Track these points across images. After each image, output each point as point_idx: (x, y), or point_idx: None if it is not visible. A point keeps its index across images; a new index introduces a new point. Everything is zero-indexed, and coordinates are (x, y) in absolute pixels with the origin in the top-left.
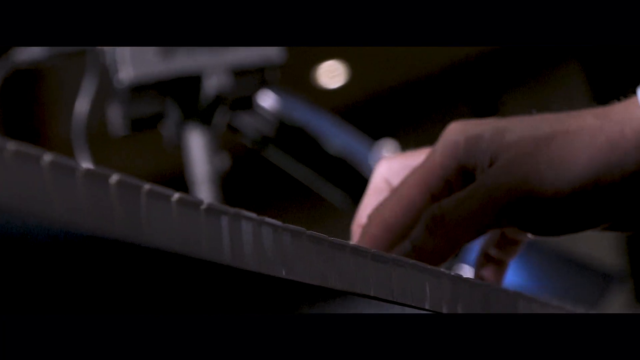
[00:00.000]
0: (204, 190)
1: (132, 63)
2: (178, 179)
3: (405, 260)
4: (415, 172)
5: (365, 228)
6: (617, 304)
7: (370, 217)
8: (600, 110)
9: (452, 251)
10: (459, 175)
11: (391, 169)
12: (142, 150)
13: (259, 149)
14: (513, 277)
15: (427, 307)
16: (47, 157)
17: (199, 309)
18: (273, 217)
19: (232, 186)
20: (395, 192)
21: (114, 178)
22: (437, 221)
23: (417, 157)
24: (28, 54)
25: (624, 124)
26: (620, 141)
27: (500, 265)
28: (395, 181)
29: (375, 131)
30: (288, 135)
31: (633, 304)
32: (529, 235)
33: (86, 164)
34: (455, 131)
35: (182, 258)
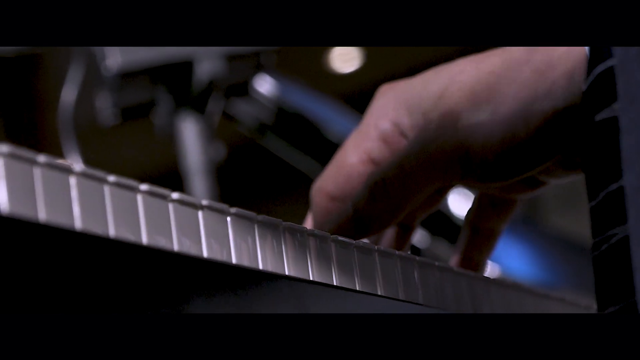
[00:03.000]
0: (199, 182)
1: (120, 49)
2: (171, 170)
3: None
4: (350, 137)
5: (313, 200)
6: None
7: (315, 189)
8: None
9: (396, 215)
10: (397, 136)
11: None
12: (132, 140)
13: (256, 137)
14: (517, 263)
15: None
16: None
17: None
18: (271, 209)
19: (228, 177)
20: (334, 160)
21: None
22: (379, 185)
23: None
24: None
25: (551, 54)
26: (547, 71)
27: (490, 237)
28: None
29: None
30: (287, 122)
31: None
32: (476, 185)
33: (44, 156)
34: (385, 92)
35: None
